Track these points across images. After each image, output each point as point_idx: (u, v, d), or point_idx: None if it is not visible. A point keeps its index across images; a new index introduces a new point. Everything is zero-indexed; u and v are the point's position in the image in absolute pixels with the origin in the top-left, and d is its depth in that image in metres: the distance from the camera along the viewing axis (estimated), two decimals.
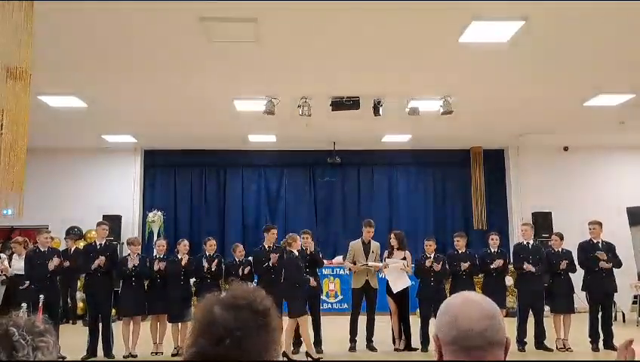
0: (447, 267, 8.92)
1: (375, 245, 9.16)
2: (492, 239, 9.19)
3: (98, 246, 8.61)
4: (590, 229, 9.01)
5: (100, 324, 8.42)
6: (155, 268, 8.65)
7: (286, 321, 7.88)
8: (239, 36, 6.43)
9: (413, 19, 6.10)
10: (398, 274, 8.81)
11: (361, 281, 8.95)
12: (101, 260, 8.35)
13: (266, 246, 9.06)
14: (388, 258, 8.99)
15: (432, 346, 7.96)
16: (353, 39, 6.65)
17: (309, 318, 8.49)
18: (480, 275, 9.34)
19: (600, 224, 9.00)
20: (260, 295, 1.72)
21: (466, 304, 1.56)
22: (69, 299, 11.35)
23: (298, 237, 8.51)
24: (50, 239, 8.92)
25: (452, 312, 1.55)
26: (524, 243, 9.19)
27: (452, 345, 1.53)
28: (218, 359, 1.57)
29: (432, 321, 8.50)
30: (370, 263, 8.88)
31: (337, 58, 7.31)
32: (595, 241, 8.95)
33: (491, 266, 8.87)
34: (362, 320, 8.88)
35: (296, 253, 8.31)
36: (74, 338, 8.68)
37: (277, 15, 5.92)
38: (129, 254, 8.76)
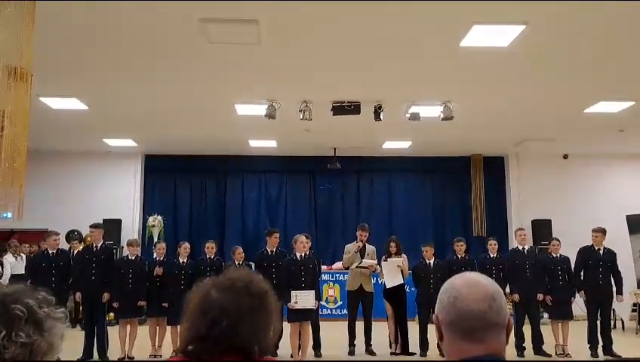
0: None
1: (370, 248, 9.17)
2: (491, 245, 9.23)
3: (94, 249, 8.62)
4: (593, 236, 8.99)
5: (95, 326, 8.40)
6: (155, 273, 8.64)
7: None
8: (240, 38, 6.42)
9: (415, 23, 6.11)
10: (393, 270, 8.85)
11: (355, 284, 8.99)
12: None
13: (269, 251, 9.01)
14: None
15: (430, 351, 7.93)
16: (355, 43, 6.66)
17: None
18: None
19: (604, 231, 8.97)
20: (257, 278, 1.73)
21: (467, 285, 1.53)
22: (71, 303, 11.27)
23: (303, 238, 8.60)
24: (59, 241, 8.92)
25: (452, 293, 1.53)
26: (520, 248, 9.19)
27: (451, 326, 1.51)
28: (214, 341, 1.58)
29: (430, 327, 8.50)
30: (365, 261, 8.89)
31: (338, 62, 7.31)
32: (596, 248, 8.95)
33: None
34: (361, 325, 8.90)
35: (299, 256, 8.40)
36: (72, 340, 8.64)
37: (278, 17, 5.92)
38: (127, 255, 8.74)
